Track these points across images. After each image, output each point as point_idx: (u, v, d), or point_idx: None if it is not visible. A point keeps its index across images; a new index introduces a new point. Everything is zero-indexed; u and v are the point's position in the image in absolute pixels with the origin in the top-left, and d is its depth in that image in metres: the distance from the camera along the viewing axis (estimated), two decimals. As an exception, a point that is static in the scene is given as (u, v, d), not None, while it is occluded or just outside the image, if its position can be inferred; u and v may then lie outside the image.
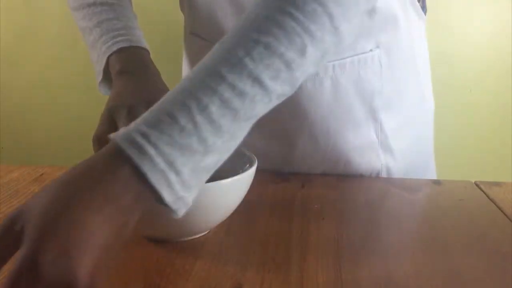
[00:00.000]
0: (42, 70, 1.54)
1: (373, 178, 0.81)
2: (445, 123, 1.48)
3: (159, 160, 0.38)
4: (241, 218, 0.60)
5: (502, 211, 0.67)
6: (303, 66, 0.44)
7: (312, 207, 0.67)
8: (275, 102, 0.45)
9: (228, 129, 0.41)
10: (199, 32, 0.79)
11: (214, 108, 0.40)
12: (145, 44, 0.70)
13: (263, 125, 0.76)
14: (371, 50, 0.73)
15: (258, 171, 0.59)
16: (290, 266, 0.52)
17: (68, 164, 0.85)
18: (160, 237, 0.57)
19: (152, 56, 0.71)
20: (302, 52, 0.43)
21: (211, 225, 0.57)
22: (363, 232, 0.60)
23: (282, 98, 0.45)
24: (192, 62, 0.85)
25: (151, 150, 0.38)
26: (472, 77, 1.44)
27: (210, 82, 0.41)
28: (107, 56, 0.68)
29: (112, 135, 0.39)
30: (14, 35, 1.52)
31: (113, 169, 0.38)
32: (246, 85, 0.41)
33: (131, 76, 0.65)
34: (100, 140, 0.58)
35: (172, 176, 0.38)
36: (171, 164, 0.38)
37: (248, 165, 0.61)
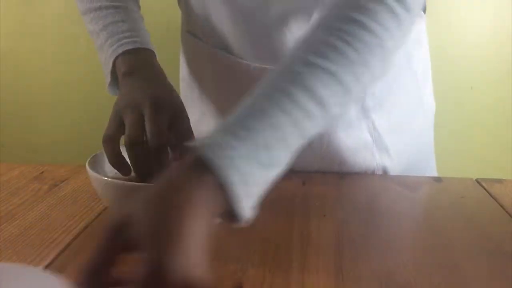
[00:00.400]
0: (42, 68, 1.53)
1: (374, 175, 0.81)
2: (446, 120, 1.47)
3: (242, 174, 0.41)
4: (242, 216, 0.59)
5: (503, 208, 0.67)
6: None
7: (313, 204, 0.67)
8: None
9: (294, 149, 0.45)
10: (195, 31, 0.79)
11: (288, 130, 0.44)
12: (151, 45, 0.71)
13: None
14: None
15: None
16: (291, 264, 0.52)
17: (69, 162, 0.85)
18: None
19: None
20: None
21: None
22: (364, 229, 0.60)
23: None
24: (188, 59, 0.85)
25: (237, 162, 0.41)
26: (473, 74, 1.44)
27: (282, 102, 0.44)
28: (113, 59, 0.68)
29: (195, 144, 0.42)
30: (14, 32, 1.52)
31: (198, 176, 0.40)
32: (313, 108, 0.45)
33: (136, 77, 0.66)
34: (112, 139, 0.60)
35: (254, 189, 0.42)
36: (253, 178, 0.42)
37: None
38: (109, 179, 0.55)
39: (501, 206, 0.68)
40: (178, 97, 0.66)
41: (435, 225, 0.62)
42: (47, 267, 0.51)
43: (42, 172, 0.79)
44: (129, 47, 0.68)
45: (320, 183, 0.75)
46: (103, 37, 0.70)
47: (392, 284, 0.49)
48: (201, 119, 0.83)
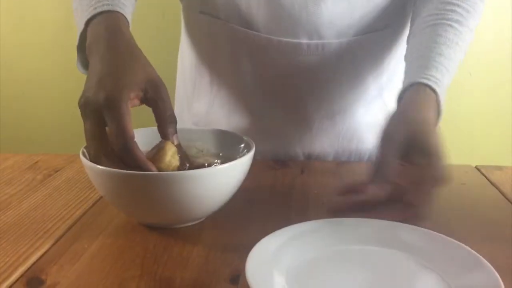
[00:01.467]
0: (36, 58, 1.52)
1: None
2: (445, 107, 1.46)
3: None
4: (239, 204, 0.59)
5: (503, 195, 0.66)
6: None
7: (311, 192, 0.66)
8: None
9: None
10: (213, 11, 0.76)
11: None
12: (125, 10, 0.63)
13: (281, 106, 0.76)
14: (382, 29, 0.75)
15: (256, 158, 0.58)
16: (289, 252, 0.51)
17: (63, 151, 0.84)
18: (159, 224, 0.56)
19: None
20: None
21: (208, 211, 0.56)
22: (363, 217, 0.59)
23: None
24: (199, 42, 0.82)
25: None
26: (471, 60, 1.43)
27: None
28: (83, 25, 0.61)
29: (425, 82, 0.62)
30: (10, 25, 1.50)
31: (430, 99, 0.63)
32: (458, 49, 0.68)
33: (98, 50, 0.58)
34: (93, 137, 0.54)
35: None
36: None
37: (245, 151, 0.60)
38: (104, 168, 0.53)
39: (501, 193, 0.67)
40: (150, 71, 0.57)
41: (435, 212, 0.61)
42: (41, 256, 0.50)
43: (37, 162, 0.78)
44: (100, 10, 0.60)
45: (319, 171, 0.74)
46: (82, 8, 0.63)
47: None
48: (209, 110, 0.82)
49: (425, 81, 0.61)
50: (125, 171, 0.50)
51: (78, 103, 0.54)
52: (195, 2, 0.79)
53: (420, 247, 0.48)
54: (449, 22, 0.67)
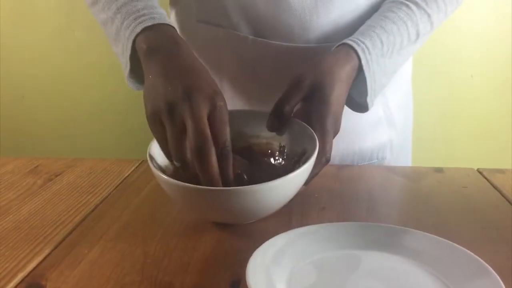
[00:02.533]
0: (37, 62, 1.52)
1: (374, 166, 0.80)
2: (446, 109, 1.47)
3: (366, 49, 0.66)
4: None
5: (505, 198, 0.66)
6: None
7: (312, 196, 0.66)
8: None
9: (399, 65, 0.73)
10: (211, 19, 0.77)
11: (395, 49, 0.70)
12: (170, 21, 0.64)
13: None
14: None
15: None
16: (290, 257, 0.51)
17: (64, 155, 0.85)
18: (228, 221, 0.58)
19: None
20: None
21: (276, 207, 0.56)
22: (364, 221, 0.59)
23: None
24: (201, 48, 0.81)
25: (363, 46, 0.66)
26: (473, 62, 1.43)
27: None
28: (132, 39, 0.61)
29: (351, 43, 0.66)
30: (9, 26, 1.50)
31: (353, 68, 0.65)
32: (413, 36, 0.71)
33: (163, 56, 0.58)
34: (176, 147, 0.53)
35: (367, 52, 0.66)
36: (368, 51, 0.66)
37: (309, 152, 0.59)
38: (176, 182, 0.52)
39: (503, 196, 0.66)
40: (211, 78, 0.58)
41: (437, 215, 0.61)
42: (41, 262, 0.50)
43: (37, 166, 0.77)
44: (148, 23, 0.61)
45: (320, 175, 0.74)
46: (118, 21, 0.64)
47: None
48: None
49: (353, 44, 0.65)
50: (198, 186, 0.51)
51: (147, 113, 0.55)
52: (191, 10, 0.79)
53: (424, 252, 0.48)
54: (406, 2, 0.71)
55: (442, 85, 1.45)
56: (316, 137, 0.58)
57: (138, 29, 0.61)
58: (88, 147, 1.50)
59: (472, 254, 0.46)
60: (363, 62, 0.65)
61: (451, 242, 0.49)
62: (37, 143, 1.56)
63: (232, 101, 0.80)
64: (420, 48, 0.75)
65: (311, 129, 0.60)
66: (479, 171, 0.75)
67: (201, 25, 0.78)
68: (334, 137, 0.61)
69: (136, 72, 0.65)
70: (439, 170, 0.76)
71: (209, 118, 0.52)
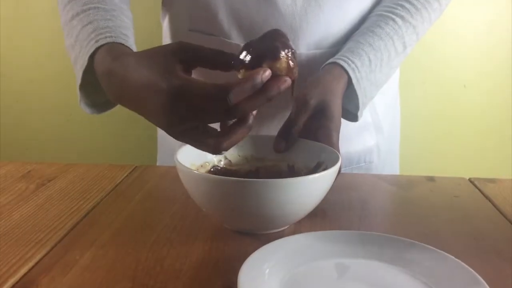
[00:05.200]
0: (30, 66, 1.51)
1: (365, 174, 0.81)
2: (439, 118, 1.47)
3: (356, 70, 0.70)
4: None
5: (497, 208, 0.66)
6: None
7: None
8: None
9: (386, 78, 0.76)
10: (204, 28, 0.78)
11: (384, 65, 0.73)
12: (129, 42, 0.62)
13: (278, 117, 0.76)
14: None
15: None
16: (282, 265, 0.51)
17: (57, 160, 0.84)
18: (248, 230, 0.57)
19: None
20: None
21: (297, 218, 0.57)
22: (356, 229, 0.59)
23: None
24: None
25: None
26: (466, 72, 1.44)
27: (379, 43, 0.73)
28: (89, 55, 0.60)
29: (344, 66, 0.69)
30: (4, 31, 1.49)
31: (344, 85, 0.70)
32: (400, 48, 0.74)
33: (131, 60, 0.55)
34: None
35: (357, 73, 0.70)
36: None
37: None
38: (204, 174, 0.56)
39: (494, 205, 0.67)
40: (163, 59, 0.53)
41: (428, 225, 0.61)
42: (32, 267, 0.50)
43: (29, 171, 0.77)
44: (109, 40, 0.60)
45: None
46: (80, 40, 0.63)
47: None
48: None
49: (344, 64, 0.69)
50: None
51: (169, 131, 0.52)
52: (183, 19, 0.80)
53: (415, 262, 0.48)
54: (393, 16, 0.74)
55: (434, 94, 1.45)
56: (332, 147, 0.62)
57: (100, 43, 0.60)
58: (81, 152, 1.50)
59: (463, 264, 0.47)
60: (354, 81, 0.69)
61: (442, 252, 0.49)
62: (31, 148, 1.56)
63: None
64: (413, 57, 0.77)
65: (329, 147, 0.62)
66: (470, 181, 0.76)
67: (193, 34, 0.79)
68: (339, 149, 0.64)
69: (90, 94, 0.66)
70: (430, 179, 0.76)
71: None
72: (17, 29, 1.49)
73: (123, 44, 0.61)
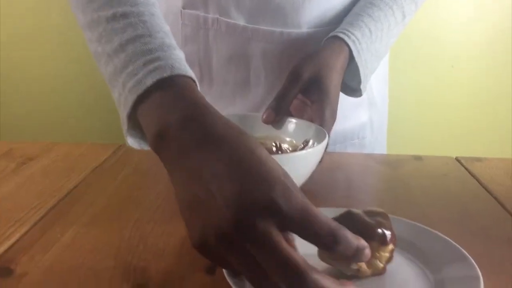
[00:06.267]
0: (11, 46, 1.48)
1: (353, 153, 0.80)
2: (427, 98, 1.47)
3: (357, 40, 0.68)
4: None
5: (483, 186, 0.66)
6: None
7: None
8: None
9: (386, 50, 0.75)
10: (195, 5, 0.75)
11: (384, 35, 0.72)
12: (187, 68, 0.46)
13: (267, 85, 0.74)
14: None
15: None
16: (267, 243, 0.50)
17: (38, 139, 0.82)
18: None
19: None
20: None
21: None
22: (344, 207, 0.58)
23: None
24: (188, 38, 0.78)
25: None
26: (454, 53, 1.44)
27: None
28: (133, 99, 0.44)
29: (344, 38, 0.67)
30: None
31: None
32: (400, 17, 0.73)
33: (184, 144, 0.39)
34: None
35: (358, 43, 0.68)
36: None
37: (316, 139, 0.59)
38: None
39: (481, 184, 0.67)
40: (261, 157, 0.38)
41: (415, 203, 0.61)
42: (12, 246, 0.48)
43: (11, 149, 0.75)
44: (164, 74, 0.43)
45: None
46: (119, 63, 0.46)
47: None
48: None
49: (344, 37, 0.67)
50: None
51: (193, 243, 0.38)
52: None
53: (400, 237, 0.48)
54: None
55: (423, 75, 1.45)
56: (322, 125, 0.60)
57: (143, 87, 0.43)
58: (66, 132, 1.47)
59: (448, 239, 0.46)
60: (355, 53, 0.67)
61: (427, 228, 0.49)
62: (14, 129, 1.53)
63: (222, 90, 0.79)
64: (402, 38, 0.76)
65: (311, 122, 0.61)
66: (457, 160, 0.76)
67: (187, 12, 0.76)
68: (332, 125, 0.62)
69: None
70: (418, 158, 0.76)
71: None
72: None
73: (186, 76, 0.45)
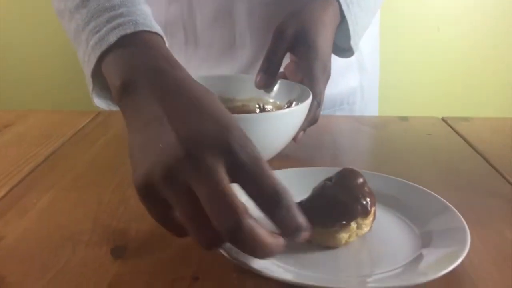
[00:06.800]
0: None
1: (338, 116, 0.79)
2: (413, 61, 1.47)
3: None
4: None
5: (470, 145, 0.65)
6: None
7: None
8: None
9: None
10: None
11: None
12: (153, 23, 0.46)
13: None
14: None
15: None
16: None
17: (15, 107, 0.79)
18: None
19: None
20: None
21: (266, 157, 0.53)
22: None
23: None
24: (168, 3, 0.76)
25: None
26: (440, 15, 1.42)
27: None
28: (97, 56, 0.43)
29: None
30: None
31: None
32: None
33: (145, 94, 0.39)
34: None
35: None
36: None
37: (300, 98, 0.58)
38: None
39: (468, 143, 0.66)
40: (224, 116, 0.37)
41: (401, 161, 0.60)
42: (-14, 213, 0.47)
43: (-15, 118, 0.73)
44: (128, 31, 0.43)
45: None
46: (81, 20, 0.46)
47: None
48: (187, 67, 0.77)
49: None
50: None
51: (136, 184, 0.37)
52: None
53: (384, 193, 0.47)
54: None
55: (409, 37, 1.44)
56: (304, 82, 0.58)
57: (111, 40, 0.43)
58: (48, 102, 1.44)
59: (432, 193, 0.46)
60: (344, 7, 0.63)
61: (411, 183, 0.48)
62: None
63: (208, 53, 0.76)
64: (386, 1, 0.74)
65: (298, 83, 0.59)
66: (444, 120, 0.75)
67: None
68: (326, 81, 0.60)
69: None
70: (404, 118, 0.75)
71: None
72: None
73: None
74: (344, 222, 0.40)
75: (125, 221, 0.45)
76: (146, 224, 0.45)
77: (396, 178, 0.49)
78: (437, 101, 1.48)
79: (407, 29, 1.43)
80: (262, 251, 0.33)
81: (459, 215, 0.42)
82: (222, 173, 0.33)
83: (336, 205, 0.40)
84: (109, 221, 0.45)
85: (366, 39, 0.81)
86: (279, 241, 0.34)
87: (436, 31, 1.43)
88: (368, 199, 0.41)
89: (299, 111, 0.53)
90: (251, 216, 0.33)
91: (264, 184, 0.34)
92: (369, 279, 0.38)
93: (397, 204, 0.46)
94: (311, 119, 0.59)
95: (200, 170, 0.33)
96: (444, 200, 0.44)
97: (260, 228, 0.33)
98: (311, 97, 0.55)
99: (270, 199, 0.34)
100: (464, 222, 0.40)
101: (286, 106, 0.59)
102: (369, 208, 0.41)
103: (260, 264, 0.36)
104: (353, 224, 0.40)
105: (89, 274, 0.38)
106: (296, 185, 0.47)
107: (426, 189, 0.47)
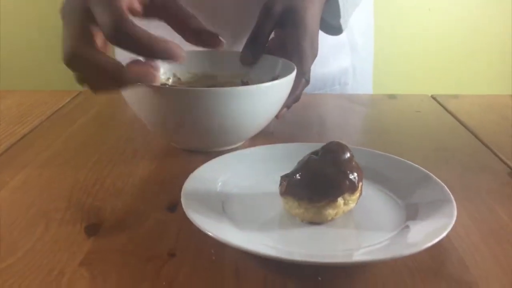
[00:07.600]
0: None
1: (328, 94, 0.77)
2: (404, 41, 1.46)
3: None
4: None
5: (460, 122, 0.64)
6: None
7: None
8: None
9: None
10: None
11: None
12: None
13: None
14: None
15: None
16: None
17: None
18: (199, 148, 0.54)
19: None
20: None
21: (250, 133, 0.54)
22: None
23: None
24: None
25: None
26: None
27: None
28: None
29: None
30: None
31: None
32: None
33: None
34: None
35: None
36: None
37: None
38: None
39: (458, 120, 0.64)
40: None
41: (389, 138, 0.58)
42: (-44, 192, 0.45)
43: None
44: None
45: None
46: None
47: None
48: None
49: None
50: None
51: (61, 11, 0.46)
52: None
53: (372, 169, 0.45)
54: None
55: (400, 18, 1.43)
56: (292, 60, 0.56)
57: None
58: (30, 81, 1.41)
59: (418, 166, 0.44)
60: None
61: (397, 157, 0.46)
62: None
63: None
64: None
65: (283, 59, 0.57)
66: (433, 97, 0.73)
67: None
68: (313, 60, 0.58)
69: None
70: (392, 96, 0.73)
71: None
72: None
73: None
74: (331, 197, 0.38)
75: (101, 199, 0.44)
76: (121, 202, 0.43)
77: (381, 152, 0.47)
78: (428, 81, 1.48)
79: (398, 9, 1.42)
80: (147, 44, 0.42)
81: (445, 187, 0.40)
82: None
83: (323, 180, 0.39)
84: (84, 199, 0.44)
85: (359, 18, 0.79)
86: (169, 41, 0.43)
87: (427, 11, 1.42)
88: (355, 174, 0.39)
89: (282, 85, 0.51)
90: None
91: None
92: (356, 253, 0.36)
93: (380, 178, 0.44)
94: (296, 97, 0.57)
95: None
96: (430, 173, 0.43)
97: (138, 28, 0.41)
98: (295, 71, 0.53)
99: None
100: (450, 194, 0.39)
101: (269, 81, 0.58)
102: (356, 184, 0.39)
103: (239, 240, 0.34)
104: (340, 200, 0.38)
105: (61, 251, 0.36)
106: (281, 160, 0.46)
107: (410, 162, 0.45)
